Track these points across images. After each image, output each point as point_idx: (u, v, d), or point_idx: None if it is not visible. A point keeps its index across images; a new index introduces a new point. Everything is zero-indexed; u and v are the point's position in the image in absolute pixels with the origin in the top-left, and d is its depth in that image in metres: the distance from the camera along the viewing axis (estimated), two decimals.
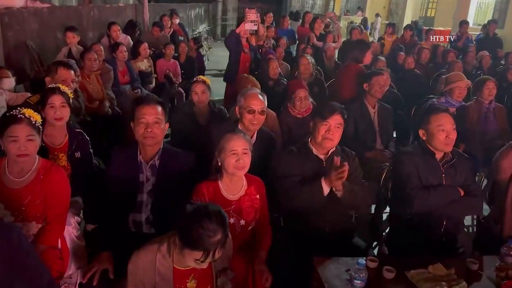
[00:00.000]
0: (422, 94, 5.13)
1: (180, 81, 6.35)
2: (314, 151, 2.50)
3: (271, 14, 8.30)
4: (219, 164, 2.16)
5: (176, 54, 6.73)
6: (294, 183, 2.42)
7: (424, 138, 2.52)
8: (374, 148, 3.73)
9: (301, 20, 8.62)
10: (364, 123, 3.75)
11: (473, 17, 14.44)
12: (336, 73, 5.04)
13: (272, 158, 2.96)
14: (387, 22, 16.79)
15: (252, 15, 5.58)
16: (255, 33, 5.72)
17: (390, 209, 2.76)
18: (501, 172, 2.49)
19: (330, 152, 2.49)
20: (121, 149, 2.41)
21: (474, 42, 8.48)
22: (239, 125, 2.79)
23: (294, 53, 7.50)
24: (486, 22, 9.27)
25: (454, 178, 2.46)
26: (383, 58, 5.68)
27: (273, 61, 4.88)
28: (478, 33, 9.35)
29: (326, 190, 2.33)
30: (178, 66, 6.38)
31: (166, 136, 4.12)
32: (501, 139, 4.23)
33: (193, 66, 6.84)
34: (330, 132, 2.41)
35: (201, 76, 3.64)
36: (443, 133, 2.43)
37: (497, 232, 2.46)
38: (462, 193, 2.42)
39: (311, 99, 3.75)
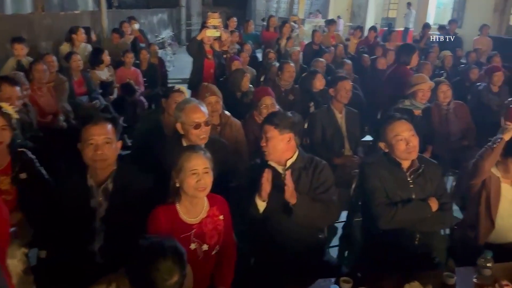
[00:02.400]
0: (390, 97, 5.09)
1: (143, 90, 6.11)
2: (271, 162, 2.34)
3: (235, 19, 8.17)
4: (177, 185, 1.98)
5: (137, 62, 6.50)
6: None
7: (386, 150, 2.39)
8: (342, 154, 3.64)
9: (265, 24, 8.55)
10: (331, 129, 3.66)
11: (433, 18, 14.79)
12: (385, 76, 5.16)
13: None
14: (350, 24, 17.01)
15: (214, 20, 5.43)
16: (218, 38, 5.56)
17: (362, 222, 2.64)
18: (482, 174, 2.36)
19: (289, 164, 2.32)
20: (69, 172, 2.19)
21: (436, 43, 8.60)
22: (183, 141, 2.57)
23: (260, 57, 7.38)
24: (445, 23, 9.47)
25: (424, 188, 2.33)
26: (349, 62, 5.65)
27: (246, 76, 4.70)
28: (438, 34, 9.52)
29: (261, 206, 2.18)
30: (140, 75, 6.14)
31: (127, 148, 3.88)
32: (466, 138, 4.24)
33: (156, 74, 6.61)
34: (264, 144, 2.27)
35: (182, 87, 3.47)
36: (402, 142, 2.29)
37: (473, 238, 2.39)
38: (435, 208, 2.28)
39: (277, 106, 3.62)
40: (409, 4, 14.90)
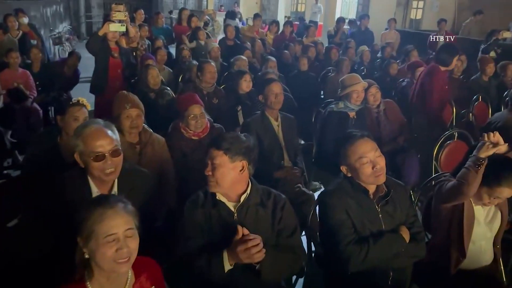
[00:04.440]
0: (316, 96, 4.83)
1: (36, 95, 5.17)
2: (220, 197, 1.86)
3: (142, 11, 7.39)
4: (86, 256, 1.38)
5: (29, 62, 5.51)
6: (195, 248, 1.81)
7: (349, 175, 2.02)
8: (282, 166, 3.22)
9: (176, 17, 7.86)
10: (268, 139, 3.19)
11: (340, 12, 15.16)
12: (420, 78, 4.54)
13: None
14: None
15: (120, 13, 4.71)
16: (125, 33, 4.84)
17: (323, 257, 2.22)
18: (466, 198, 2.04)
19: (243, 199, 1.86)
20: None
21: (350, 37, 8.63)
22: (89, 177, 1.95)
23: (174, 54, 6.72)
24: (351, 17, 9.58)
25: (393, 216, 1.99)
26: (273, 59, 5.25)
27: (152, 69, 4.09)
28: (350, 28, 9.61)
29: (228, 266, 1.74)
30: (31, 77, 5.20)
31: (18, 167, 3.00)
32: (402, 134, 4.11)
33: (54, 76, 5.65)
34: (209, 172, 1.82)
35: (82, 99, 2.73)
36: (368, 165, 1.94)
37: (443, 266, 2.10)
38: (408, 239, 1.95)
39: (208, 116, 3.09)
40: None
